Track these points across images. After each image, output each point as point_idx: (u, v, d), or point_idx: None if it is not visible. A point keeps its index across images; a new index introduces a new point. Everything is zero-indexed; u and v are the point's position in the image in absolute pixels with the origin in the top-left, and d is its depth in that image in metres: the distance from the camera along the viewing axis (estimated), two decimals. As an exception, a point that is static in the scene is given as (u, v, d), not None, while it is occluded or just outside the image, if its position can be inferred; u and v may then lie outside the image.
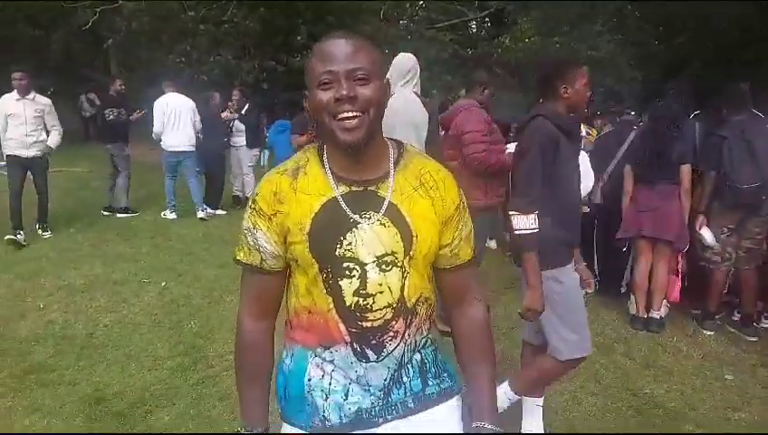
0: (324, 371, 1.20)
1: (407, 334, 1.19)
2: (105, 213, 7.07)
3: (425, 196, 1.18)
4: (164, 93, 6.94)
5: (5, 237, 5.54)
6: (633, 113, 5.16)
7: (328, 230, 1.12)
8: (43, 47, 16.16)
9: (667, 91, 4.05)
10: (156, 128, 6.80)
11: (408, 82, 3.52)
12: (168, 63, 14.31)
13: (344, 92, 1.04)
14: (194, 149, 6.95)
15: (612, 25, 13.23)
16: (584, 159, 4.58)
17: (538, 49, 12.98)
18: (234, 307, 3.75)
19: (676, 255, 3.97)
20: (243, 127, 7.64)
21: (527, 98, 11.84)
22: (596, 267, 4.68)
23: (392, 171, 1.17)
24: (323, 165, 1.17)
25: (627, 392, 3.14)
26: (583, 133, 4.79)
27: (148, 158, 9.16)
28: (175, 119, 6.74)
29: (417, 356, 1.23)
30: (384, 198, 1.14)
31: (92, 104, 15.37)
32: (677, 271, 3.99)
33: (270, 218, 1.16)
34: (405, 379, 1.22)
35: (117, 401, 2.89)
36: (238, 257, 1.23)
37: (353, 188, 1.15)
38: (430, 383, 1.25)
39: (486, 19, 17.93)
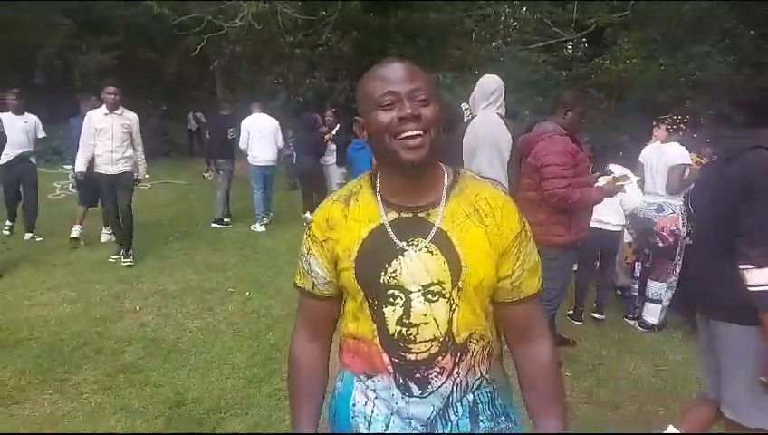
0: (368, 397, 1.17)
1: (455, 373, 1.12)
2: (213, 224, 7.49)
3: (478, 224, 1.12)
4: (251, 114, 7.60)
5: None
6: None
7: (374, 257, 1.11)
8: (158, 69, 17.64)
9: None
10: (240, 144, 7.46)
11: (491, 103, 3.47)
12: (267, 85, 15.14)
13: (408, 111, 1.03)
14: (276, 164, 7.60)
15: (724, 46, 12.29)
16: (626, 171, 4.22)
17: (639, 71, 12.33)
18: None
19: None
20: (334, 146, 7.94)
21: (625, 121, 11.27)
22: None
23: (444, 197, 1.13)
24: (375, 192, 1.16)
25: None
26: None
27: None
28: (260, 136, 7.33)
29: (470, 396, 1.14)
30: (433, 225, 1.11)
31: (198, 121, 16.70)
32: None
33: (322, 244, 1.18)
34: (453, 417, 1.14)
35: (195, 407, 2.98)
36: (296, 281, 1.27)
37: (402, 214, 1.12)
38: (482, 425, 1.16)
39: (584, 40, 17.33)
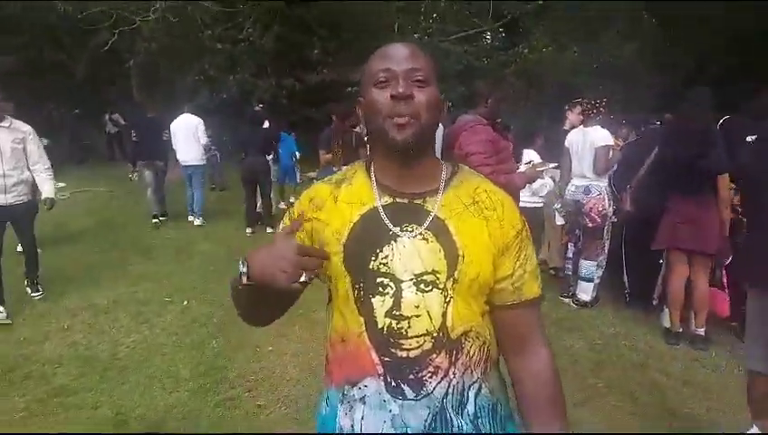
0: (354, 419, 1.05)
1: (451, 373, 1.02)
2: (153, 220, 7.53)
3: (477, 215, 1.07)
4: (182, 113, 7.61)
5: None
6: (659, 123, 5.06)
7: (365, 242, 1.04)
8: (67, 70, 16.50)
9: (688, 97, 3.88)
10: (173, 145, 7.56)
11: None
12: (187, 83, 14.54)
13: (401, 90, 1.00)
14: (201, 163, 7.62)
15: (629, 32, 13.10)
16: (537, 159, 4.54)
17: (555, 58, 12.91)
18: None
19: (719, 268, 3.82)
20: None
21: (544, 107, 11.77)
22: (625, 279, 4.55)
23: (443, 187, 1.09)
24: (369, 175, 1.11)
25: (666, 412, 3.00)
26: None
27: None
28: (184, 136, 7.39)
29: (470, 407, 1.05)
30: (430, 212, 1.05)
31: (116, 123, 15.79)
32: (723, 284, 3.84)
33: (302, 223, 1.10)
34: (453, 420, 1.04)
35: (139, 425, 2.84)
36: None
37: (397, 200, 1.07)
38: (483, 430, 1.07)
39: (501, 30, 17.88)
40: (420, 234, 1.04)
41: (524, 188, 3.53)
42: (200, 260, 5.87)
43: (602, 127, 4.41)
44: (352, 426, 1.06)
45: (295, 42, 13.31)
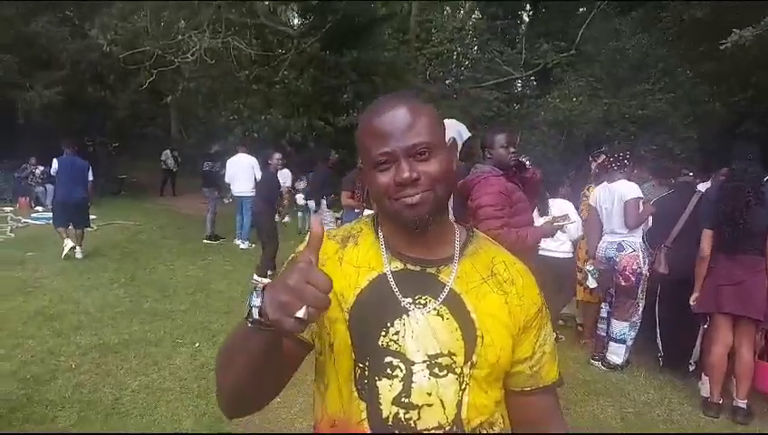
0: None
1: None
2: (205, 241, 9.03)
3: (496, 290, 0.96)
4: (237, 152, 8.86)
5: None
6: (691, 174, 4.86)
7: (373, 312, 0.92)
8: (108, 105, 17.15)
9: (740, 151, 3.69)
10: (226, 178, 8.73)
11: None
12: (222, 121, 14.92)
13: (406, 175, 0.89)
14: (253, 194, 8.17)
15: (664, 85, 12.94)
16: (568, 208, 4.37)
17: (586, 107, 12.81)
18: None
19: (762, 335, 3.53)
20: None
21: (574, 155, 11.59)
22: (659, 342, 4.27)
23: (458, 256, 0.98)
24: (378, 236, 1.00)
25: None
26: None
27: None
28: (242, 172, 8.52)
29: None
30: (445, 284, 0.94)
31: (176, 160, 16.33)
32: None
33: None
34: None
35: (134, 479, 2.69)
36: None
37: (409, 267, 0.95)
38: None
39: (533, 78, 17.96)
40: (435, 309, 0.92)
41: (539, 242, 3.32)
42: (216, 300, 5.78)
43: (628, 180, 4.22)
44: None
45: (328, 85, 13.60)
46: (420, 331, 0.90)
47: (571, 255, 4.70)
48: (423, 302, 0.92)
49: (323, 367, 0.98)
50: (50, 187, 13.95)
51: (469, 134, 3.53)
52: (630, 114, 12.62)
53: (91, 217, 10.71)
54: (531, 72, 16.57)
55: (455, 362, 0.90)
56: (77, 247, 7.48)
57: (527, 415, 1.00)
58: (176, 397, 3.56)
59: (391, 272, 0.95)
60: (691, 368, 4.11)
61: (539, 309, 0.99)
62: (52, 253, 7.53)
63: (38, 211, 11.89)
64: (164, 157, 16.41)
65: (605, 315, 4.41)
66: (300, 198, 9.22)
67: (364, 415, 0.90)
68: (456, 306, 0.92)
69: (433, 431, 0.88)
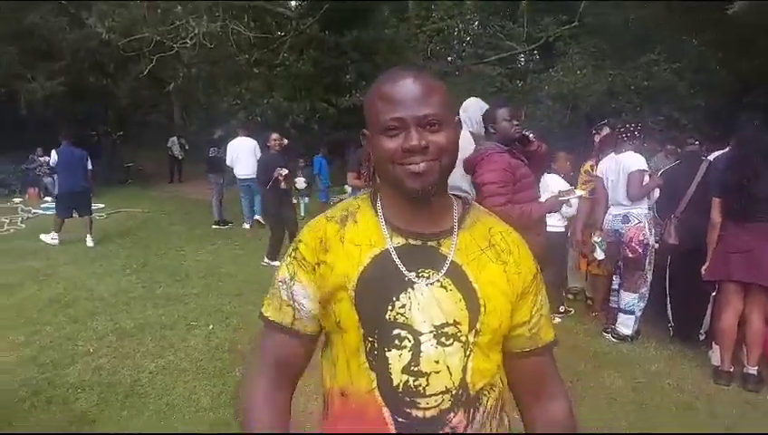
0: None
1: (468, 432, 0.95)
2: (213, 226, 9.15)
3: (495, 260, 0.99)
4: (237, 136, 9.03)
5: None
6: (697, 143, 4.82)
7: (378, 288, 0.95)
8: (110, 94, 17.12)
9: (747, 120, 3.66)
10: (227, 161, 8.88)
11: (464, 122, 3.63)
12: (224, 106, 14.88)
13: (414, 142, 0.91)
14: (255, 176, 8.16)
15: (669, 54, 12.76)
16: (558, 182, 4.31)
17: (590, 80, 12.68)
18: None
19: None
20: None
21: (579, 130, 11.51)
22: (669, 312, 4.29)
23: (456, 228, 1.01)
24: (377, 213, 1.01)
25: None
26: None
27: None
28: (245, 155, 8.65)
29: None
30: (446, 256, 0.97)
31: (183, 148, 16.29)
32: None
33: (314, 269, 1.00)
34: None
35: (157, 457, 2.76)
36: (266, 314, 1.06)
37: (410, 241, 0.98)
38: None
39: (535, 52, 17.76)
40: (438, 281, 0.95)
41: (542, 218, 3.32)
42: (227, 283, 5.84)
43: (636, 152, 4.20)
44: None
45: (330, 66, 13.51)
46: (426, 302, 0.94)
47: (562, 229, 4.66)
48: (426, 275, 0.95)
49: (331, 341, 1.02)
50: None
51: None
52: (636, 85, 12.48)
53: (100, 205, 10.87)
54: (533, 45, 16.37)
55: (460, 331, 0.94)
56: (87, 235, 7.59)
57: (526, 375, 1.05)
58: (192, 377, 3.62)
59: (393, 247, 0.97)
60: (701, 337, 4.13)
61: (534, 276, 1.03)
62: (63, 241, 7.61)
63: (47, 202, 11.97)
64: (170, 144, 16.44)
65: (617, 287, 4.42)
66: (300, 182, 9.15)
67: (375, 384, 0.94)
68: (458, 277, 0.96)
69: (440, 395, 0.93)
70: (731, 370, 3.58)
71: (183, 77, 13.22)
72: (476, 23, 18.28)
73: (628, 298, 4.19)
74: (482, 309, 0.95)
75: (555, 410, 1.05)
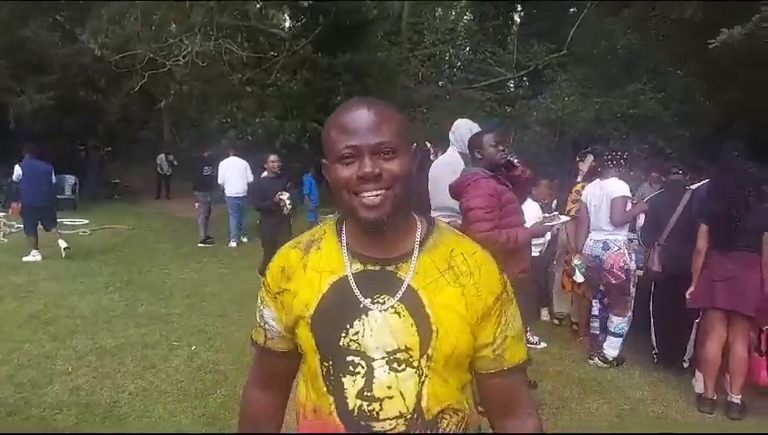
0: None
1: None
2: (200, 244, 9.18)
3: (453, 283, 0.99)
4: (228, 156, 9.33)
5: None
6: (681, 172, 4.91)
7: (334, 315, 0.98)
8: (100, 110, 17.05)
9: (728, 149, 3.73)
10: (219, 180, 9.08)
11: (452, 143, 3.85)
12: (215, 124, 14.89)
13: (368, 170, 0.93)
14: (246, 194, 8.81)
15: (655, 84, 13.04)
16: (533, 209, 4.38)
17: (577, 108, 12.90)
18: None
19: (757, 331, 3.57)
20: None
21: (565, 156, 11.66)
22: (653, 339, 4.31)
23: (416, 251, 1.01)
24: (340, 239, 1.04)
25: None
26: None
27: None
28: (236, 174, 9.00)
29: None
30: (403, 281, 0.98)
31: (171, 165, 16.21)
32: (761, 350, 3.58)
33: (275, 296, 1.07)
34: None
35: (133, 482, 2.69)
36: (252, 335, 1.16)
37: (369, 267, 1.00)
38: None
39: (525, 79, 18.06)
40: (392, 307, 0.97)
41: (527, 243, 3.34)
42: (211, 303, 5.77)
43: (620, 179, 4.26)
44: None
45: (322, 87, 13.62)
46: (378, 329, 0.96)
47: (536, 253, 4.61)
48: (381, 301, 0.97)
49: (302, 361, 1.08)
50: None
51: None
52: (622, 113, 12.71)
53: (84, 221, 10.77)
54: (522, 72, 16.67)
55: (411, 357, 0.95)
56: (60, 240, 7.66)
57: (494, 395, 1.05)
58: (173, 399, 3.55)
59: (352, 274, 0.99)
60: (685, 365, 4.15)
61: (497, 297, 1.01)
62: (45, 257, 7.50)
63: (30, 216, 11.78)
64: (159, 161, 16.39)
65: (596, 313, 4.44)
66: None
67: (333, 408, 0.98)
68: (412, 303, 0.97)
69: (394, 419, 0.95)
70: (714, 398, 3.59)
71: (174, 94, 13.26)
72: (467, 48, 18.62)
73: (617, 322, 4.21)
74: (434, 335, 0.95)
75: (524, 430, 1.05)
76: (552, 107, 13.21)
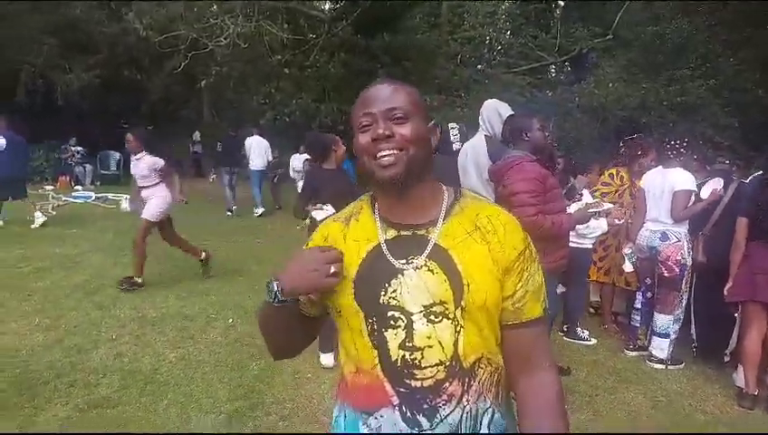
0: None
1: (464, 400, 1.05)
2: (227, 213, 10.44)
3: (480, 241, 1.08)
4: (252, 134, 10.71)
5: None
6: (727, 162, 4.71)
7: (373, 277, 1.08)
8: (143, 89, 17.48)
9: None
10: (247, 153, 10.53)
11: (481, 126, 3.68)
12: (254, 105, 15.07)
13: (380, 131, 1.05)
14: (265, 169, 10.65)
15: (705, 71, 12.52)
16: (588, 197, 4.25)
17: (621, 94, 12.50)
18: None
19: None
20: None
21: (607, 144, 11.36)
22: (693, 332, 4.20)
23: (443, 215, 1.11)
24: (374, 211, 1.16)
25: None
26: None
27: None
28: (257, 151, 10.48)
29: (484, 431, 1.07)
30: (430, 241, 1.08)
31: (200, 144, 16.55)
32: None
33: None
34: None
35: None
36: None
37: (402, 233, 1.10)
38: None
39: (567, 63, 17.59)
40: (425, 265, 1.06)
41: (573, 229, 3.26)
42: (249, 279, 5.90)
43: (684, 169, 4.02)
44: None
45: (360, 69, 13.56)
46: (414, 286, 1.05)
47: (589, 245, 4.49)
48: (412, 261, 1.07)
49: (340, 327, 1.15)
50: (88, 166, 14.38)
51: (510, 112, 3.52)
52: (669, 101, 12.26)
53: (127, 196, 11.09)
54: (565, 57, 16.22)
55: (447, 309, 1.04)
56: (36, 213, 8.22)
57: (514, 348, 1.11)
58: (211, 369, 3.67)
59: (385, 240, 1.10)
60: (726, 359, 4.04)
61: (520, 252, 1.09)
62: (92, 230, 7.79)
63: (78, 190, 12.26)
64: (194, 138, 16.73)
65: (638, 306, 4.31)
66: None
67: (377, 360, 1.06)
68: (443, 261, 1.06)
69: (434, 367, 1.03)
70: (755, 393, 3.48)
71: (215, 75, 13.44)
72: (508, 32, 18.19)
73: (662, 320, 4.01)
74: (465, 288, 1.04)
75: (541, 383, 1.09)
76: (596, 93, 12.84)
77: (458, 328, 1.04)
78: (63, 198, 11.11)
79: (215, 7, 12.47)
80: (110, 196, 11.62)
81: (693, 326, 4.19)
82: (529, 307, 1.10)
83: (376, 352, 1.06)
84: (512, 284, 1.08)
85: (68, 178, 13.49)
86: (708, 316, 4.09)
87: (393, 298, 1.05)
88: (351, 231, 1.14)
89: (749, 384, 3.50)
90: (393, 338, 1.05)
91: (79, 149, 13.95)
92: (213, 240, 7.86)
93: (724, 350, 4.03)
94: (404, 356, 1.04)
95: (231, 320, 4.57)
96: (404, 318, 1.04)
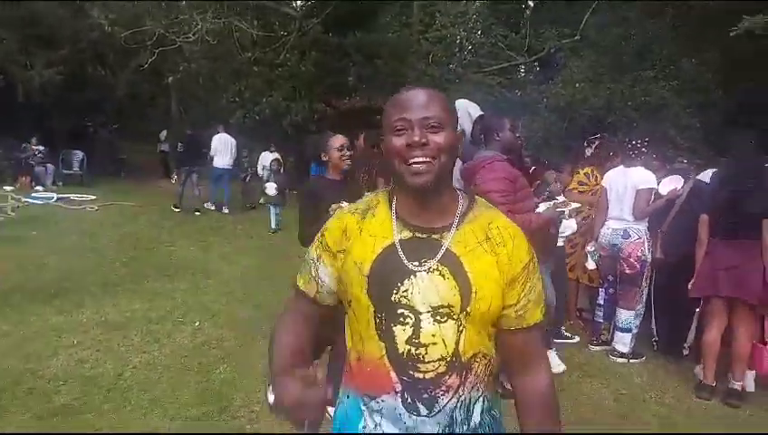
0: (376, 421, 1.17)
1: (461, 391, 1.14)
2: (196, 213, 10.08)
3: (489, 251, 1.15)
4: (218, 132, 10.57)
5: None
6: (686, 162, 4.85)
7: (386, 274, 1.13)
8: (108, 85, 17.05)
9: (742, 139, 3.70)
10: (211, 151, 10.36)
11: None
12: (223, 103, 14.85)
13: (416, 138, 1.09)
14: (230, 167, 10.63)
15: (668, 72, 12.85)
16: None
17: (587, 94, 12.74)
18: (265, 352, 3.59)
19: (759, 320, 3.57)
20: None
21: (576, 143, 11.57)
22: (654, 326, 4.32)
23: (457, 221, 1.17)
24: (391, 208, 1.20)
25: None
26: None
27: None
28: (222, 149, 10.36)
29: (475, 418, 1.16)
30: (443, 246, 1.14)
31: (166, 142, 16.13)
32: (764, 339, 3.57)
33: (335, 255, 1.21)
34: (459, 430, 1.16)
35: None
36: (298, 284, 1.29)
37: (416, 235, 1.16)
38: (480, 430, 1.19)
39: (536, 63, 17.83)
40: (437, 269, 1.12)
41: (543, 228, 3.31)
42: (216, 280, 5.83)
43: (645, 168, 4.15)
44: (375, 427, 1.17)
45: (331, 68, 13.49)
46: (425, 288, 1.11)
47: (562, 243, 4.62)
48: (426, 263, 1.12)
49: (348, 314, 1.22)
50: (50, 166, 13.95)
51: (480, 112, 3.54)
52: (633, 101, 12.55)
53: (91, 197, 10.85)
54: (534, 57, 16.43)
55: (453, 311, 1.11)
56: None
57: (513, 350, 1.19)
58: (177, 373, 3.61)
59: (400, 240, 1.15)
60: (685, 352, 4.17)
61: (525, 265, 1.17)
62: (53, 232, 7.58)
63: (38, 190, 11.89)
64: (161, 138, 16.34)
65: (601, 302, 4.42)
66: (270, 188, 8.46)
67: (384, 352, 1.14)
68: (454, 266, 1.12)
69: (437, 362, 1.11)
70: (713, 384, 3.61)
71: (183, 71, 13.19)
72: (479, 31, 18.33)
73: (624, 316, 4.13)
74: (473, 296, 1.11)
75: (537, 381, 1.20)
76: (563, 93, 13.05)
77: (461, 328, 1.12)
78: (23, 199, 10.76)
79: (183, 3, 12.27)
80: (72, 196, 11.32)
81: (653, 321, 4.31)
82: (530, 314, 1.17)
83: (383, 344, 1.13)
84: (515, 293, 1.15)
85: (28, 179, 13.06)
86: (667, 311, 4.21)
87: (404, 297, 1.11)
88: (367, 225, 1.19)
89: (707, 376, 3.63)
90: (401, 333, 1.12)
91: (40, 148, 13.51)
92: (180, 241, 7.77)
93: (683, 343, 4.15)
94: (410, 350, 1.11)
95: (198, 323, 4.50)
96: (412, 316, 1.11)
